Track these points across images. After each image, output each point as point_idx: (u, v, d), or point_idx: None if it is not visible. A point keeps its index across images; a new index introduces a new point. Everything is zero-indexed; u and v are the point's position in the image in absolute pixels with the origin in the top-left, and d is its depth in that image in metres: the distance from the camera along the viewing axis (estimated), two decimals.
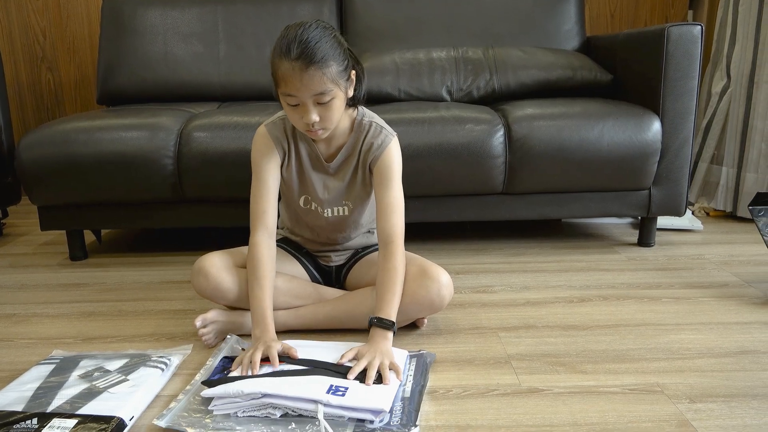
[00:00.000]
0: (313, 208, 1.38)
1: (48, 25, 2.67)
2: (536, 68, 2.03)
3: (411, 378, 1.10)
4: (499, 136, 1.74)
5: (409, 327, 1.35)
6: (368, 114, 1.35)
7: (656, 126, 1.75)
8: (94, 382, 1.04)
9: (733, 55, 2.20)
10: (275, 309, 1.33)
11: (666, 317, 1.39)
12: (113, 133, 1.74)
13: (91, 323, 1.42)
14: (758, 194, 1.54)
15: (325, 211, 1.37)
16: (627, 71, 1.97)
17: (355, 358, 1.13)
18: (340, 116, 1.22)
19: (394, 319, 1.18)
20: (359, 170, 1.34)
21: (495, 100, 2.04)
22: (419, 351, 1.21)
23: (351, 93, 1.24)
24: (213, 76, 2.27)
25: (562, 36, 2.28)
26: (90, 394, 1.00)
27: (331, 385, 1.02)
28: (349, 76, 1.21)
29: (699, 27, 1.72)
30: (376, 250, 1.47)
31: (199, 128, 1.75)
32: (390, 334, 1.17)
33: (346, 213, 1.38)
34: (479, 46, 2.15)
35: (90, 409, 0.95)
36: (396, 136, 1.33)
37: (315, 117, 1.16)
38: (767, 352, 1.22)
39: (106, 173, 1.73)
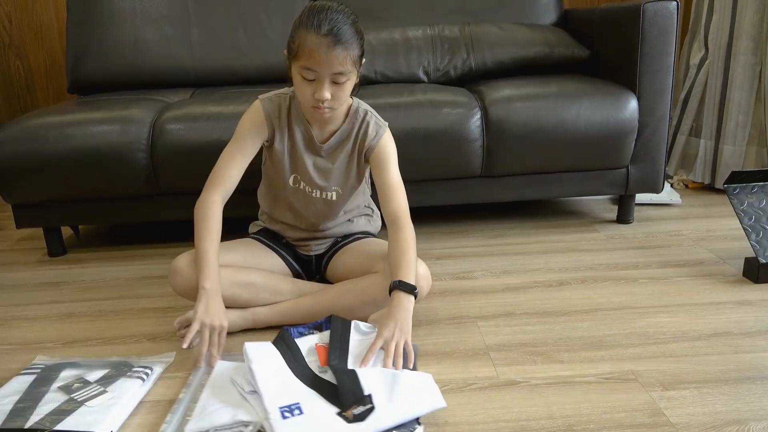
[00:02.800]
0: (302, 187, 1.39)
1: (13, 9, 2.59)
2: (513, 45, 2.01)
3: None
4: (476, 120, 1.73)
5: None
6: (362, 102, 1.38)
7: (633, 104, 1.74)
8: (72, 395, 1.04)
9: (711, 25, 2.19)
10: (254, 305, 1.34)
11: (642, 299, 1.41)
12: (85, 128, 1.70)
13: (71, 325, 1.41)
14: (733, 173, 1.55)
15: (314, 192, 1.38)
16: (604, 47, 1.96)
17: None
18: (347, 99, 1.27)
19: (414, 284, 1.20)
20: (354, 157, 1.36)
21: (473, 78, 2.02)
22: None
23: (358, 79, 1.27)
24: (186, 61, 2.22)
25: (539, 10, 2.25)
26: (68, 409, 1.00)
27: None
28: (362, 63, 1.25)
29: (674, 3, 1.70)
30: (357, 239, 1.47)
31: (173, 120, 1.72)
32: (412, 298, 1.19)
33: (334, 198, 1.40)
34: (456, 23, 2.12)
35: (68, 424, 0.95)
36: (387, 125, 1.37)
37: (327, 94, 1.18)
38: (739, 334, 1.24)
39: (79, 169, 1.70)
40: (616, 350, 1.20)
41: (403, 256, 1.23)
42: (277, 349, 1.13)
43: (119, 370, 1.14)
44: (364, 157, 1.36)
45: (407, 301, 1.18)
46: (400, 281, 1.19)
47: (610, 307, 1.38)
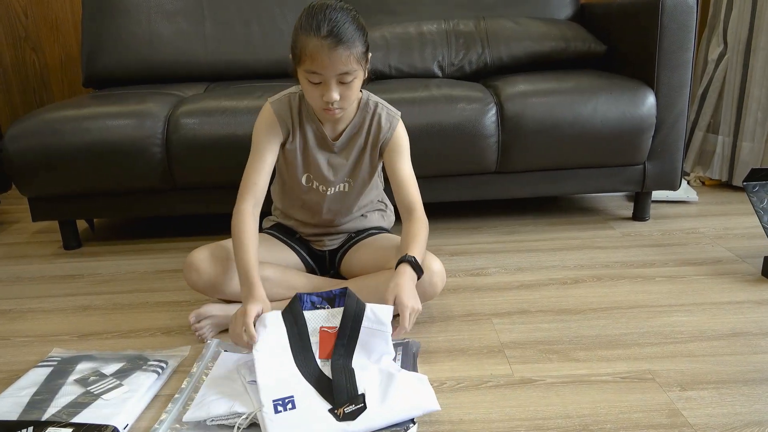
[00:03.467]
0: (314, 186, 1.38)
1: (29, 3, 2.60)
2: (529, 40, 1.99)
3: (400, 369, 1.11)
4: (491, 115, 1.71)
5: None
6: (371, 94, 1.37)
7: (651, 100, 1.72)
8: (89, 388, 1.05)
9: (730, 20, 2.16)
10: (270, 300, 1.33)
11: (659, 298, 1.40)
12: (100, 121, 1.71)
13: (87, 318, 1.42)
14: (752, 170, 1.53)
15: (329, 189, 1.38)
16: (621, 42, 1.93)
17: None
18: (357, 96, 1.27)
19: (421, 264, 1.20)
20: (367, 150, 1.35)
21: (487, 73, 2.01)
22: (404, 339, 1.21)
23: (366, 74, 1.25)
24: (200, 55, 2.22)
25: (555, 4, 2.23)
26: (85, 402, 1.01)
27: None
28: (368, 58, 1.22)
29: None
30: (371, 234, 1.46)
31: (187, 114, 1.72)
32: (416, 276, 1.19)
33: (346, 190, 1.39)
34: (471, 17, 2.10)
35: (85, 417, 0.96)
36: (400, 115, 1.36)
37: (336, 96, 1.17)
38: (758, 334, 1.23)
39: (94, 163, 1.71)
40: (632, 349, 1.19)
41: (415, 239, 1.24)
42: (285, 323, 1.12)
43: (135, 364, 1.14)
44: (378, 150, 1.36)
45: (411, 275, 1.18)
46: (408, 256, 1.19)
47: (627, 305, 1.37)
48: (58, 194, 1.78)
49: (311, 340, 1.13)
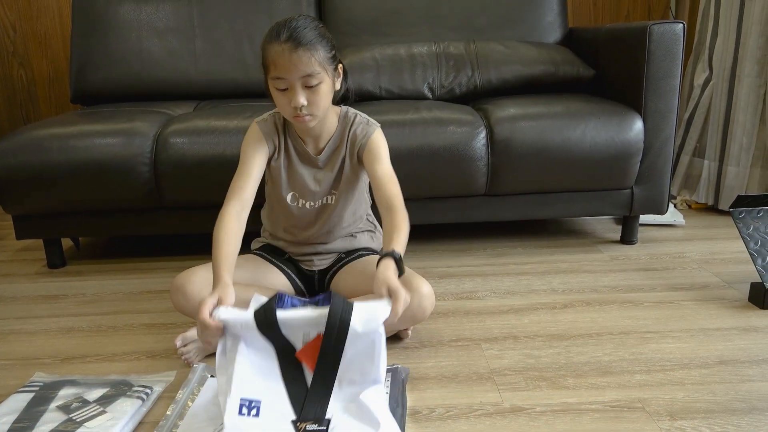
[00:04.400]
0: (300, 204, 1.39)
1: (17, 18, 2.59)
2: (518, 64, 2.01)
3: (388, 395, 1.10)
4: (481, 138, 1.72)
5: (392, 339, 1.34)
6: (351, 109, 1.39)
7: (638, 125, 1.74)
8: (71, 415, 1.03)
9: (716, 47, 2.19)
10: None
11: (647, 324, 1.40)
12: (88, 140, 1.69)
13: (70, 340, 1.40)
14: (739, 197, 1.54)
15: (316, 203, 1.39)
16: (609, 66, 1.96)
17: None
18: (327, 105, 1.26)
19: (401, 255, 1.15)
20: (347, 160, 1.36)
21: (477, 96, 2.02)
22: (393, 365, 1.20)
23: (338, 86, 1.28)
24: (190, 73, 2.22)
25: (544, 28, 2.25)
26: (67, 430, 0.98)
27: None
28: (336, 67, 1.26)
29: (681, 25, 1.70)
30: (361, 256, 1.46)
31: (176, 134, 1.71)
32: (397, 271, 1.12)
33: (332, 202, 1.39)
34: (461, 39, 2.12)
35: None
36: (379, 126, 1.37)
37: (303, 100, 1.19)
38: (746, 362, 1.23)
39: (81, 181, 1.69)
40: (622, 377, 1.19)
41: (397, 232, 1.19)
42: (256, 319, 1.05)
43: (119, 389, 1.12)
44: (357, 157, 1.36)
45: (395, 271, 1.12)
46: (391, 250, 1.14)
47: (615, 331, 1.37)
48: (43, 212, 1.76)
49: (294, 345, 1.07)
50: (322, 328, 1.04)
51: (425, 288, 1.27)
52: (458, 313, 1.48)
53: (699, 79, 2.26)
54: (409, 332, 1.36)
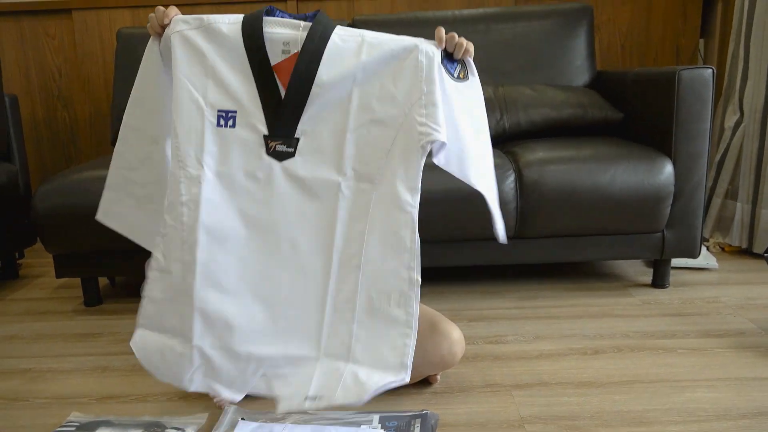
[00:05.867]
0: None
1: (63, 62, 2.71)
2: (546, 107, 2.03)
3: None
4: (510, 182, 1.73)
5: (421, 384, 1.34)
6: None
7: (668, 169, 1.74)
8: None
9: (746, 89, 2.19)
10: None
11: (682, 372, 1.38)
12: None
13: (105, 380, 1.43)
14: None
15: None
16: (637, 110, 1.97)
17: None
18: None
19: None
20: None
21: (506, 139, 2.04)
22: (422, 411, 1.20)
23: None
24: None
25: (573, 72, 2.28)
26: None
27: None
28: None
29: (710, 70, 1.71)
30: None
31: None
32: None
33: None
34: (489, 83, 2.15)
35: None
36: None
37: None
38: None
39: None
40: (655, 427, 1.16)
41: None
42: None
43: (152, 431, 1.14)
44: None
45: None
46: None
47: (648, 379, 1.35)
48: (82, 252, 1.81)
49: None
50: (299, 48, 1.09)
51: (456, 334, 1.28)
52: (487, 358, 1.47)
53: (730, 122, 2.25)
54: (438, 377, 1.36)
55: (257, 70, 1.11)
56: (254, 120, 1.10)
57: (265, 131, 1.08)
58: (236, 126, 1.08)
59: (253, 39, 1.10)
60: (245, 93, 1.10)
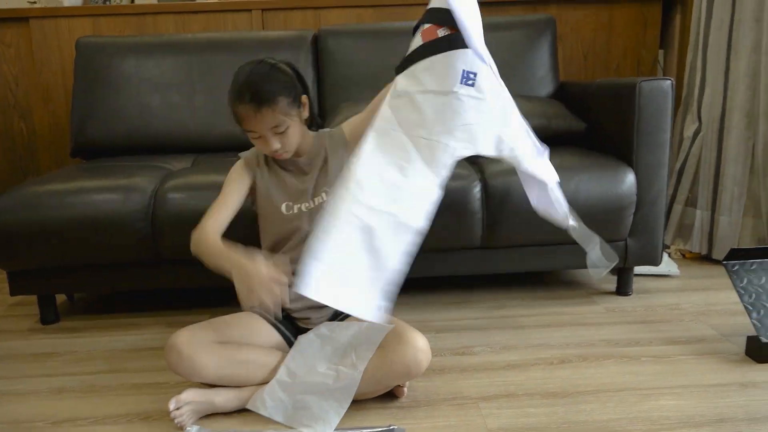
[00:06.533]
0: (296, 211, 1.42)
1: (20, 72, 2.64)
2: None
3: None
4: (476, 192, 1.74)
5: (387, 397, 1.33)
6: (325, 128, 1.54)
7: (631, 179, 1.76)
8: None
9: (704, 100, 2.24)
10: (251, 384, 1.31)
11: (646, 380, 1.39)
12: (86, 196, 1.71)
13: (61, 402, 1.38)
14: (732, 250, 1.56)
15: (310, 202, 1.42)
16: (600, 120, 1.99)
17: None
18: (299, 138, 1.39)
19: None
20: (329, 159, 1.45)
21: None
22: (389, 426, 1.19)
23: (306, 114, 1.41)
24: (189, 127, 2.25)
25: (537, 82, 2.30)
26: None
27: None
28: (300, 103, 1.38)
29: (669, 82, 1.75)
30: None
31: (174, 189, 1.73)
32: None
33: (325, 199, 1.42)
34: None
35: None
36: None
37: (276, 145, 1.34)
38: (744, 419, 1.22)
39: (78, 238, 1.69)
40: None
41: None
42: None
43: None
44: (343, 151, 1.45)
45: None
46: None
47: (614, 388, 1.36)
48: (38, 268, 1.76)
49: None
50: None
51: (421, 342, 1.27)
52: (455, 370, 1.47)
53: (689, 131, 2.30)
54: (405, 390, 1.35)
55: None
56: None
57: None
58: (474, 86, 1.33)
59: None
60: None
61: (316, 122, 1.52)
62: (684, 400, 1.30)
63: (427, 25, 1.32)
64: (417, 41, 1.33)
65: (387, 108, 1.32)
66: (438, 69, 1.29)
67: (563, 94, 2.30)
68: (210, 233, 1.34)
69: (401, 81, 1.33)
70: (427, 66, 1.30)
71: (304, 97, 1.40)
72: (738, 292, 1.53)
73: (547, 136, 2.02)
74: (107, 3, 2.73)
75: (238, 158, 1.50)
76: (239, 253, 1.22)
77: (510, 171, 1.76)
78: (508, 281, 2.07)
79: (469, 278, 2.11)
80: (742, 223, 2.15)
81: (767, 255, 1.57)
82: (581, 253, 1.83)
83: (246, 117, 1.31)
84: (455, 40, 1.28)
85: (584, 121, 2.06)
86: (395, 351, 1.25)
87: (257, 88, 1.29)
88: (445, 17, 1.28)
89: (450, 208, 1.73)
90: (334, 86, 2.30)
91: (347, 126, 1.50)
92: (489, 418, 1.25)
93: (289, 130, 1.33)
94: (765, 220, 2.06)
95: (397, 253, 1.27)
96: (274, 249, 1.48)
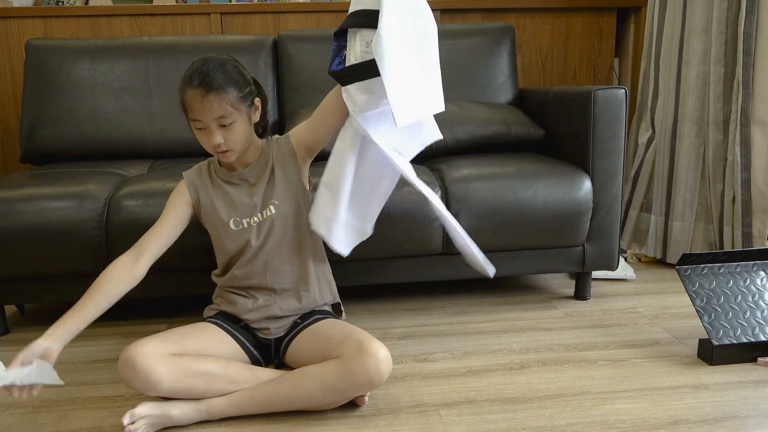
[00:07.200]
0: (244, 225, 1.39)
1: None
2: (472, 124, 2.06)
3: None
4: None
5: (348, 407, 1.32)
6: (276, 136, 1.49)
7: (587, 185, 1.80)
8: None
9: (657, 108, 2.30)
10: (209, 396, 1.29)
11: (602, 384, 1.42)
12: (35, 204, 1.65)
13: (9, 418, 1.33)
14: (684, 255, 1.60)
15: (258, 216, 1.39)
16: (558, 127, 2.03)
17: None
18: (245, 139, 1.35)
19: None
20: (276, 170, 1.41)
21: (432, 155, 2.05)
22: None
23: (256, 118, 1.39)
24: (145, 132, 2.20)
25: (496, 89, 2.33)
26: None
27: None
28: (252, 103, 1.37)
29: (623, 90, 1.79)
30: (317, 320, 1.44)
31: (129, 196, 1.69)
32: None
33: (273, 212, 1.40)
34: None
35: None
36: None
37: (219, 139, 1.30)
38: (697, 422, 1.25)
39: (28, 247, 1.63)
40: None
41: None
42: None
43: None
44: (291, 160, 1.42)
45: None
46: None
47: (571, 392, 1.38)
48: None
49: None
50: None
51: (382, 352, 1.26)
52: (416, 377, 1.47)
53: (643, 138, 2.36)
54: (366, 399, 1.34)
55: None
56: None
57: None
58: None
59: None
60: None
61: (266, 130, 1.50)
62: (639, 403, 1.33)
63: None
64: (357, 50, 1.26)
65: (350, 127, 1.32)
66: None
67: (522, 101, 2.33)
68: (105, 274, 1.31)
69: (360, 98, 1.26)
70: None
71: (257, 100, 1.39)
72: (690, 295, 1.57)
73: (506, 142, 2.07)
74: (59, 4, 2.66)
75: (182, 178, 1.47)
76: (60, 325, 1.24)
77: (470, 177, 1.78)
78: (468, 288, 2.08)
79: (429, 285, 2.12)
80: (694, 228, 2.22)
81: (717, 260, 1.62)
82: (540, 259, 1.87)
83: (192, 102, 1.28)
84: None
85: (542, 127, 2.09)
86: (357, 362, 1.24)
87: (208, 74, 1.27)
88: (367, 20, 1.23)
89: (411, 215, 1.73)
90: (294, 91, 2.28)
91: (294, 135, 1.45)
92: (450, 425, 1.26)
93: (235, 125, 1.31)
94: (716, 225, 2.13)
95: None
96: (228, 267, 1.46)
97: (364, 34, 1.24)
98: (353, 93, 1.25)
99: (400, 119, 1.19)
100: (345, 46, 1.28)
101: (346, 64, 1.26)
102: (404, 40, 1.21)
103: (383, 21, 1.17)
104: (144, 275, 1.34)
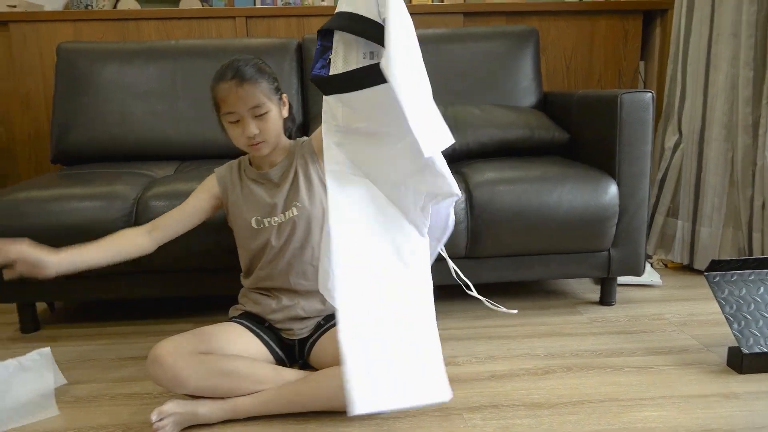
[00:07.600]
0: (266, 224, 1.41)
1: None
2: (495, 127, 2.06)
3: None
4: (460, 202, 1.74)
5: None
6: (303, 138, 1.51)
7: (613, 190, 1.78)
8: None
9: (684, 111, 2.28)
10: (235, 395, 1.30)
11: (629, 390, 1.40)
12: (67, 203, 1.68)
13: None
14: (713, 261, 1.58)
15: (279, 216, 1.41)
16: (582, 131, 2.01)
17: None
18: (277, 131, 1.39)
19: None
20: (299, 172, 1.42)
21: (455, 159, 2.05)
22: None
23: (285, 113, 1.42)
24: (172, 135, 2.23)
25: (520, 93, 2.32)
26: None
27: None
28: (281, 98, 1.40)
29: (650, 94, 1.77)
30: None
31: (157, 197, 1.71)
32: None
33: (296, 213, 1.40)
34: (438, 104, 2.16)
35: None
36: None
37: (254, 129, 1.33)
38: (727, 431, 1.23)
39: (58, 245, 1.64)
40: None
41: None
42: None
43: None
44: (311, 162, 1.43)
45: None
46: None
47: (597, 398, 1.37)
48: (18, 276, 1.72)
49: None
50: None
51: None
52: None
53: (669, 142, 2.33)
54: None
55: None
56: None
57: None
58: None
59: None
60: None
61: (293, 133, 1.52)
62: (667, 411, 1.31)
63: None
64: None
65: (332, 146, 1.15)
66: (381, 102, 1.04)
67: (546, 104, 2.32)
68: (116, 234, 1.39)
69: (339, 111, 1.14)
70: (368, 96, 1.05)
71: (285, 96, 1.42)
72: (719, 302, 1.55)
73: (530, 146, 2.06)
74: (89, 8, 2.71)
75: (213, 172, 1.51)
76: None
77: (494, 181, 1.78)
78: (492, 292, 2.07)
79: (453, 289, 2.10)
80: (723, 234, 2.18)
81: (747, 266, 1.59)
82: (565, 264, 1.85)
83: (228, 95, 1.32)
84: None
85: (567, 131, 2.08)
86: None
87: (240, 68, 1.32)
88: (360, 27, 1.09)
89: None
90: (319, 94, 2.25)
91: (315, 138, 1.44)
92: (474, 429, 1.25)
93: (269, 116, 1.34)
94: (744, 231, 2.09)
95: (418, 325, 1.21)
96: (251, 267, 1.48)
97: (361, 44, 1.12)
98: (333, 104, 1.14)
99: (426, 147, 1.01)
100: (330, 48, 1.15)
101: (331, 71, 1.13)
102: (413, 62, 1.06)
103: (392, 38, 0.96)
104: (153, 249, 1.41)
